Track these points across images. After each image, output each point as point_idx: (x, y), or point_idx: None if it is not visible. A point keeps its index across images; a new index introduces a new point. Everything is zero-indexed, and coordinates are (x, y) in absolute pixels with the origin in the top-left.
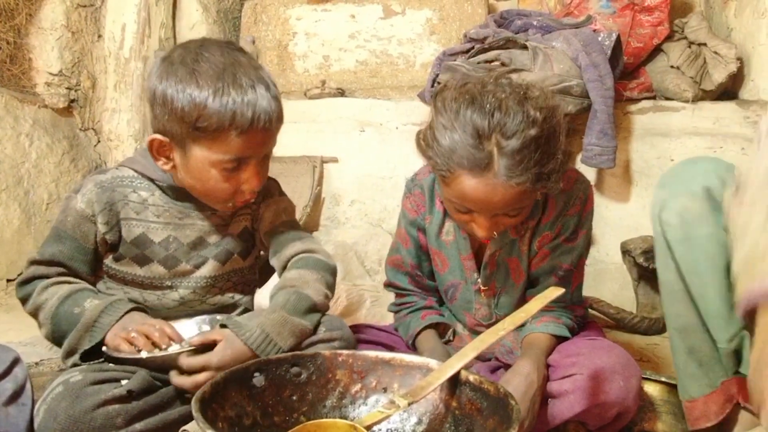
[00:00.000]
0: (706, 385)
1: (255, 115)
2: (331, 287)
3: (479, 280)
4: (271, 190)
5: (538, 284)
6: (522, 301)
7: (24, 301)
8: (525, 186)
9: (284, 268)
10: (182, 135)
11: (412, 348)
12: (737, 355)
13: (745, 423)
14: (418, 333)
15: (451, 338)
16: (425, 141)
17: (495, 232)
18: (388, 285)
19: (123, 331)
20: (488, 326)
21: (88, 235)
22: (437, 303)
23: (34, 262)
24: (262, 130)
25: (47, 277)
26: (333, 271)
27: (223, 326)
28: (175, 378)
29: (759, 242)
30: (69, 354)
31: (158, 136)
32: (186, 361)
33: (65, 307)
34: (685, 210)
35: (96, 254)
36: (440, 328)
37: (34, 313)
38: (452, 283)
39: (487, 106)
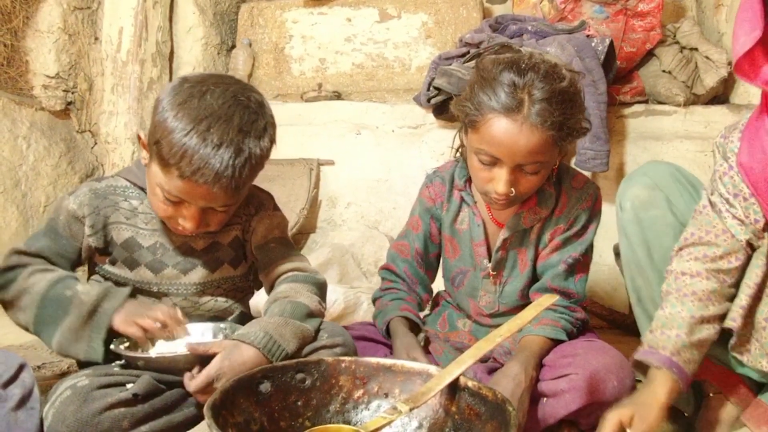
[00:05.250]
0: None
1: (199, 171)
2: (323, 299)
3: (489, 265)
4: (265, 203)
5: (543, 276)
6: (525, 292)
7: (2, 287)
8: (548, 132)
9: (272, 286)
10: (150, 144)
11: (386, 336)
12: None
13: (730, 419)
14: (392, 319)
15: (422, 343)
16: (464, 97)
17: (512, 190)
18: (384, 268)
19: (133, 317)
20: (490, 315)
21: (77, 235)
22: (418, 305)
23: (18, 252)
24: (204, 185)
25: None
26: (321, 285)
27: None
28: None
29: None
30: (72, 341)
31: (142, 135)
32: (193, 384)
33: (56, 290)
34: (636, 197)
35: (80, 254)
36: (413, 328)
37: (15, 298)
38: (461, 269)
39: (523, 66)
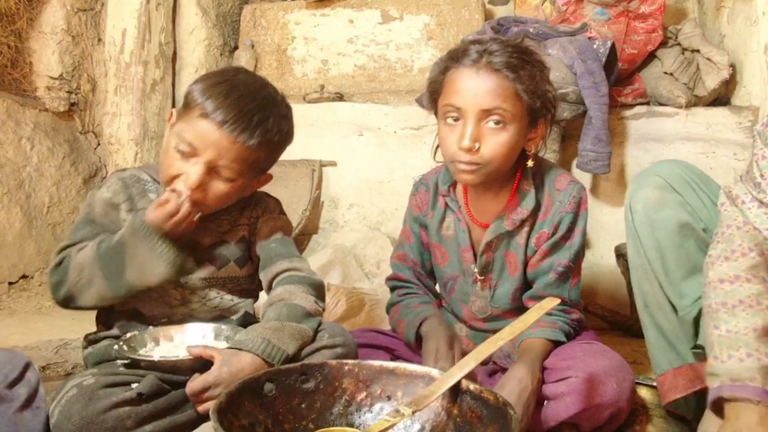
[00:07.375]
0: (675, 358)
1: (220, 109)
2: (320, 299)
3: (476, 270)
4: (271, 207)
5: (535, 284)
6: (518, 295)
7: (59, 284)
8: (505, 74)
9: (270, 283)
10: (181, 107)
11: (415, 343)
12: (696, 326)
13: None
14: (427, 319)
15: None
16: (434, 73)
17: (477, 144)
18: (392, 278)
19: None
20: (484, 319)
21: (115, 221)
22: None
23: (65, 247)
24: (221, 126)
25: None
26: (318, 286)
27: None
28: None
29: None
30: (141, 268)
31: (174, 109)
32: (189, 386)
33: (104, 245)
34: (647, 198)
35: None
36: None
37: (77, 281)
38: (451, 275)
39: (485, 39)
